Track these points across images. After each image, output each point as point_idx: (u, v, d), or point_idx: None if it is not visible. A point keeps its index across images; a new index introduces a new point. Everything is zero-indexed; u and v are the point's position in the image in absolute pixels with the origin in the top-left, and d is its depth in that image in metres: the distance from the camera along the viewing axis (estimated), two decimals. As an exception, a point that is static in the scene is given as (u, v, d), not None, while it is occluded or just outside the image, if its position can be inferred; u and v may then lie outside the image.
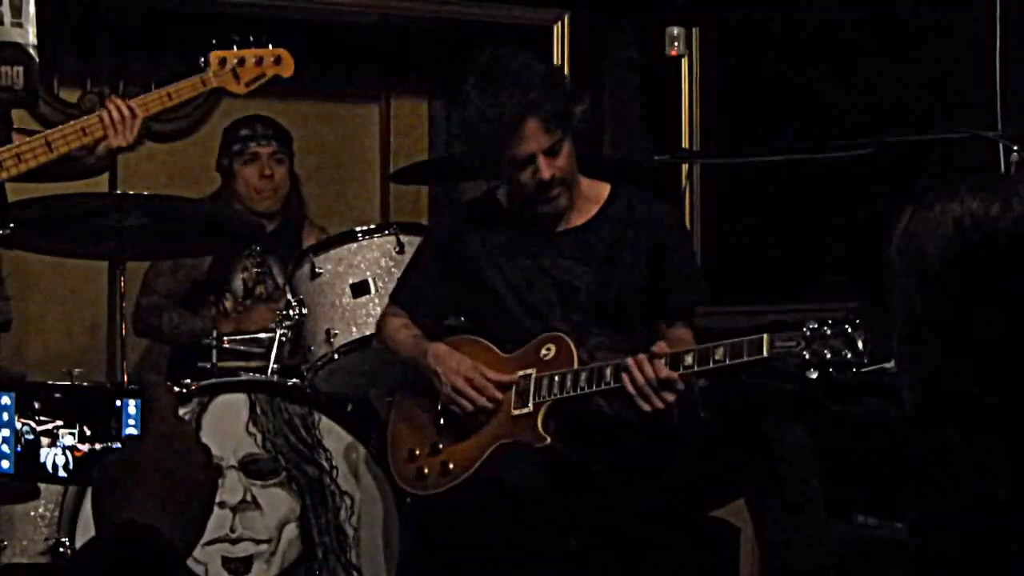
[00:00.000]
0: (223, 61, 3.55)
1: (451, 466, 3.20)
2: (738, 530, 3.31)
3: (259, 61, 3.59)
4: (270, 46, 3.64)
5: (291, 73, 3.67)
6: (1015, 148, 3.48)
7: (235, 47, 3.57)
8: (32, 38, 3.28)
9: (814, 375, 2.82)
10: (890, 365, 2.92)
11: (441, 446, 3.25)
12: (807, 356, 2.81)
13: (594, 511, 3.14)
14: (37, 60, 3.28)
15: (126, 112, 3.37)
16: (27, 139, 3.24)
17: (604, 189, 3.37)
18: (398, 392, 3.46)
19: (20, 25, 3.27)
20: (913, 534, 3.30)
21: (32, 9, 3.28)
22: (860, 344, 2.78)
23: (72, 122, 3.34)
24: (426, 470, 3.25)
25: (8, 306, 3.42)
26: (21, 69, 3.26)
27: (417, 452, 3.29)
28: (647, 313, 3.30)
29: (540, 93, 3.12)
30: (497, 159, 3.18)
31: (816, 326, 2.82)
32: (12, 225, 3.29)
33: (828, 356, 2.80)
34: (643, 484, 3.16)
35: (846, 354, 2.79)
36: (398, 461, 3.34)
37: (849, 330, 2.80)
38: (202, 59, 3.54)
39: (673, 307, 3.29)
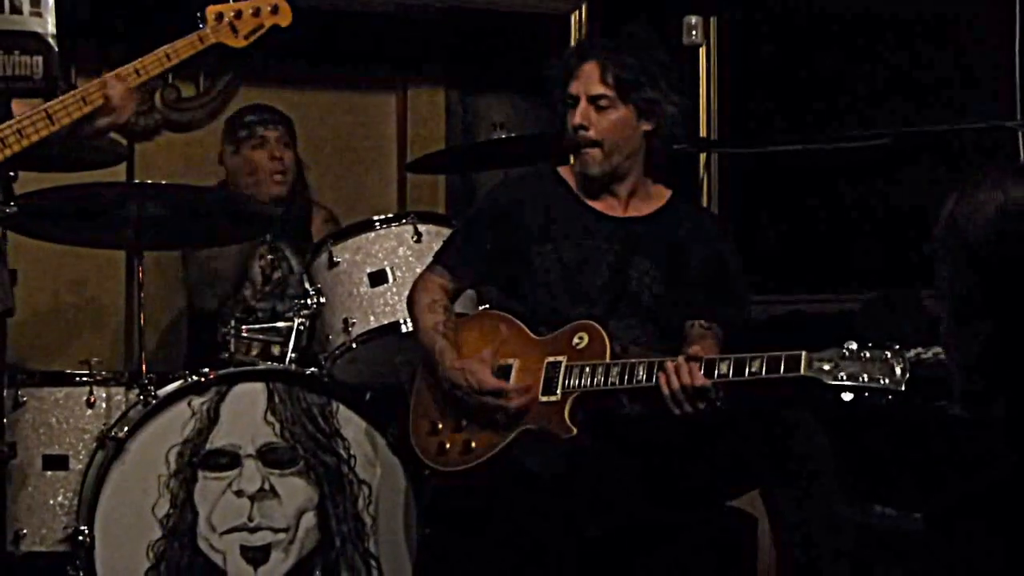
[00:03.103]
0: (219, 16, 3.43)
1: (473, 445, 3.16)
2: (755, 519, 3.31)
3: (256, 12, 3.48)
4: None
5: (289, 22, 3.53)
6: (1035, 137, 3.47)
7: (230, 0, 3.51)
8: (51, 27, 3.24)
9: (848, 397, 2.80)
10: (911, 354, 2.90)
11: (464, 423, 3.21)
12: (844, 379, 2.79)
13: (613, 499, 3.13)
14: (56, 50, 3.26)
15: (121, 90, 3.25)
16: (27, 113, 3.13)
17: (665, 193, 3.40)
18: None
19: (39, 15, 3.25)
20: (931, 524, 3.29)
21: (51, -2, 3.26)
22: (898, 371, 2.76)
23: (71, 92, 3.26)
24: (448, 445, 3.21)
25: (9, 293, 3.34)
26: (40, 59, 3.23)
27: (440, 426, 3.25)
28: (690, 317, 3.29)
29: (613, 48, 3.20)
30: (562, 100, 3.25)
31: (856, 348, 2.81)
32: (13, 204, 3.24)
33: (865, 381, 2.79)
34: (661, 473, 3.15)
35: (884, 380, 2.77)
36: (419, 432, 3.29)
37: (888, 356, 2.78)
38: (198, 14, 3.46)
39: (720, 319, 3.29)
